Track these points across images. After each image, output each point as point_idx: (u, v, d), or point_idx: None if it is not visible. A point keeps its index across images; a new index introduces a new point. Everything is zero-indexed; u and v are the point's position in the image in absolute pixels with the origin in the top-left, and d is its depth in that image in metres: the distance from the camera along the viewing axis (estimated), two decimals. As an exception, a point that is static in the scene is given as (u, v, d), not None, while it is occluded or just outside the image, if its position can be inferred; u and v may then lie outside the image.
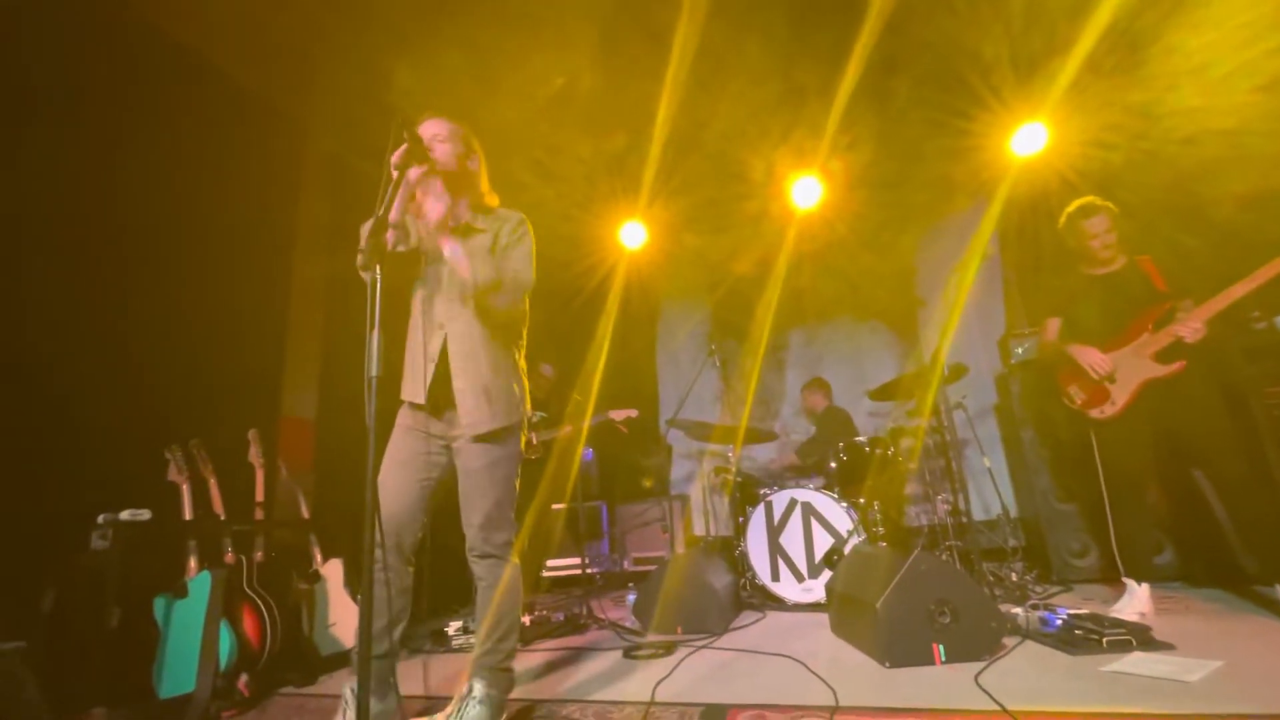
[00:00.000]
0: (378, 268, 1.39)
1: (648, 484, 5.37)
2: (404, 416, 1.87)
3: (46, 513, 2.24)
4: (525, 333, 2.02)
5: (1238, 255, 2.42)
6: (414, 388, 1.84)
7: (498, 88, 3.63)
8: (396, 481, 1.81)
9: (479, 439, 1.79)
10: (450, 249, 1.79)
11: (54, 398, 2.40)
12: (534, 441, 3.44)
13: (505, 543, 1.81)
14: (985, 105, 3.93)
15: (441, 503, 1.87)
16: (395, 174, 1.61)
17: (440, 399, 1.83)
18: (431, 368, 1.82)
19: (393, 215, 1.66)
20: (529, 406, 1.97)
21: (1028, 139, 4.03)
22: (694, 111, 3.90)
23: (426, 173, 1.73)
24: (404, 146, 1.62)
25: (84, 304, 2.54)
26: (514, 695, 2.04)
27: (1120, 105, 3.79)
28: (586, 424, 3.57)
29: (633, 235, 5.00)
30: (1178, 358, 2.45)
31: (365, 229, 1.80)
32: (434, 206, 1.84)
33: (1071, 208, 2.74)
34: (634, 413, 3.59)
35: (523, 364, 1.98)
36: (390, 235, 1.69)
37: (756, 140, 4.30)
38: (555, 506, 3.66)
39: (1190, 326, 2.40)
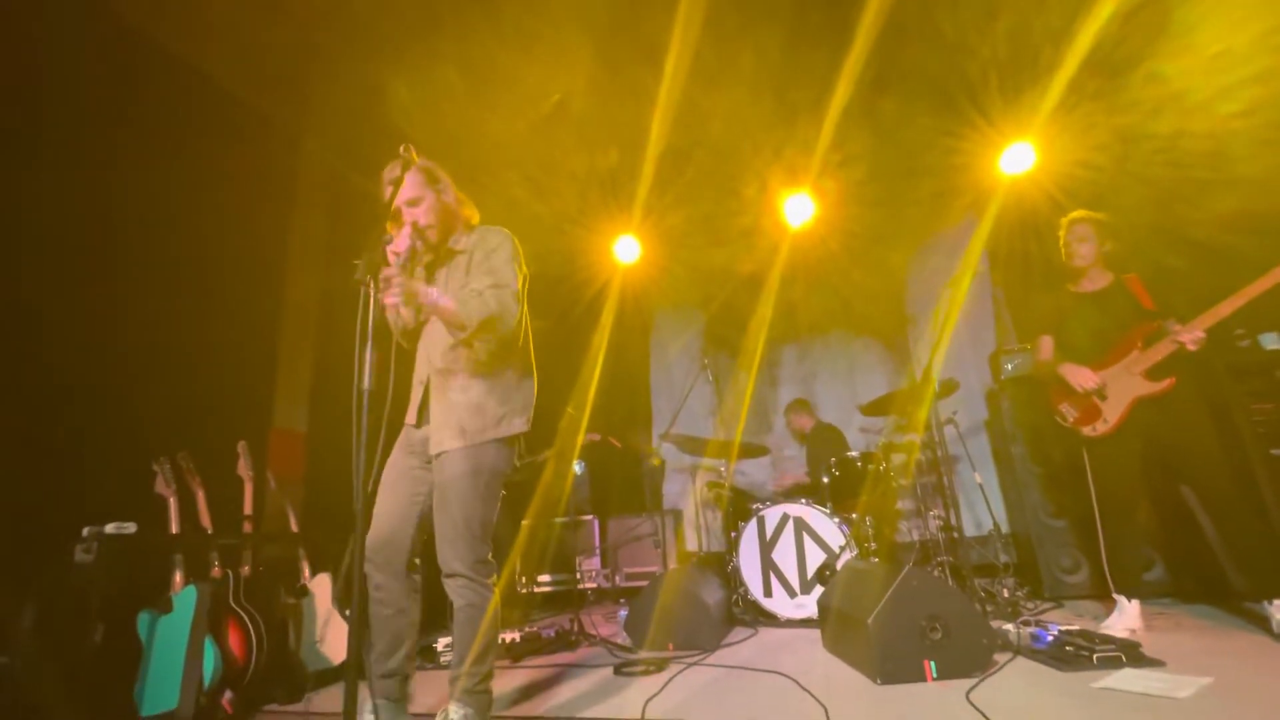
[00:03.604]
0: (370, 281, 1.41)
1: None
2: (401, 435, 1.92)
3: (29, 525, 2.20)
4: (526, 340, 1.94)
5: (1219, 275, 2.46)
6: (411, 410, 1.92)
7: (493, 103, 3.67)
8: (384, 502, 1.82)
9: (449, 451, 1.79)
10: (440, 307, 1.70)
11: (39, 407, 2.37)
12: None
13: (476, 563, 1.73)
14: (974, 124, 3.99)
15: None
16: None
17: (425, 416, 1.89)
18: (421, 390, 1.90)
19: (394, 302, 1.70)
20: (524, 421, 1.88)
21: (1016, 158, 4.11)
22: (688, 128, 3.94)
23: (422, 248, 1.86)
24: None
25: (71, 311, 2.52)
26: (503, 713, 2.02)
27: (1105, 128, 3.88)
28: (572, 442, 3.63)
29: (627, 249, 5.03)
30: (1167, 374, 2.48)
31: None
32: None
33: (1067, 218, 2.81)
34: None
35: (523, 374, 1.93)
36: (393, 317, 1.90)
37: (750, 157, 4.35)
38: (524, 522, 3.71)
39: (1192, 334, 2.40)
